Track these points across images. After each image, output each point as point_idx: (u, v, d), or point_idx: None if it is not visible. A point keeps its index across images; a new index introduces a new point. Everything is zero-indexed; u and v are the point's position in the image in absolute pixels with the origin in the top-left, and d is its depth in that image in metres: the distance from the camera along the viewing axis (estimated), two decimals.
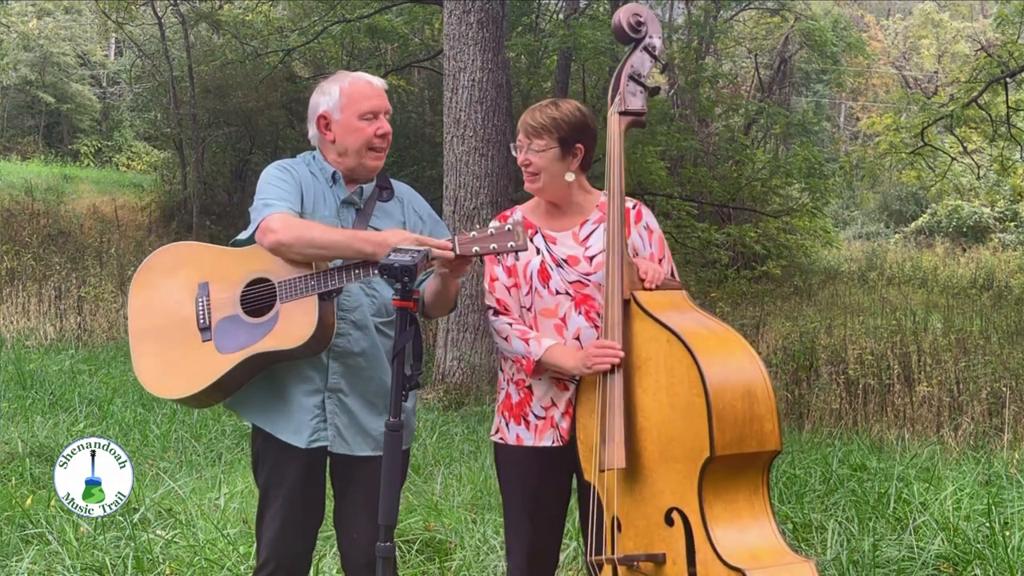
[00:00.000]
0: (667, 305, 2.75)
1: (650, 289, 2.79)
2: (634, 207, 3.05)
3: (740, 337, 2.70)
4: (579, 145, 2.98)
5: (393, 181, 3.09)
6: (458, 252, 2.63)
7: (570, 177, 2.99)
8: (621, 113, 2.88)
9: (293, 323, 2.76)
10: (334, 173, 2.97)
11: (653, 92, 2.92)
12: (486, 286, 3.02)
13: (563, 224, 3.03)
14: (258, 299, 2.83)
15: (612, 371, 2.72)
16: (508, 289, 2.99)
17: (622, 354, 2.72)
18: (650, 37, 2.91)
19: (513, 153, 3.04)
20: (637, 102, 2.88)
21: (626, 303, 2.76)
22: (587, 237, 3.01)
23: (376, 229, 2.90)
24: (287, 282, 2.78)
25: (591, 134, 3.02)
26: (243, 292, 2.84)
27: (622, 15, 2.90)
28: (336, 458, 2.95)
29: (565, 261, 2.97)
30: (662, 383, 2.65)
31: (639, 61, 2.90)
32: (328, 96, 2.96)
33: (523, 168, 3.00)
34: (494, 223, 2.64)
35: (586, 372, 2.80)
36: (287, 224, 2.77)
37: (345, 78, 2.99)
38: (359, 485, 2.93)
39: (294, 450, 2.90)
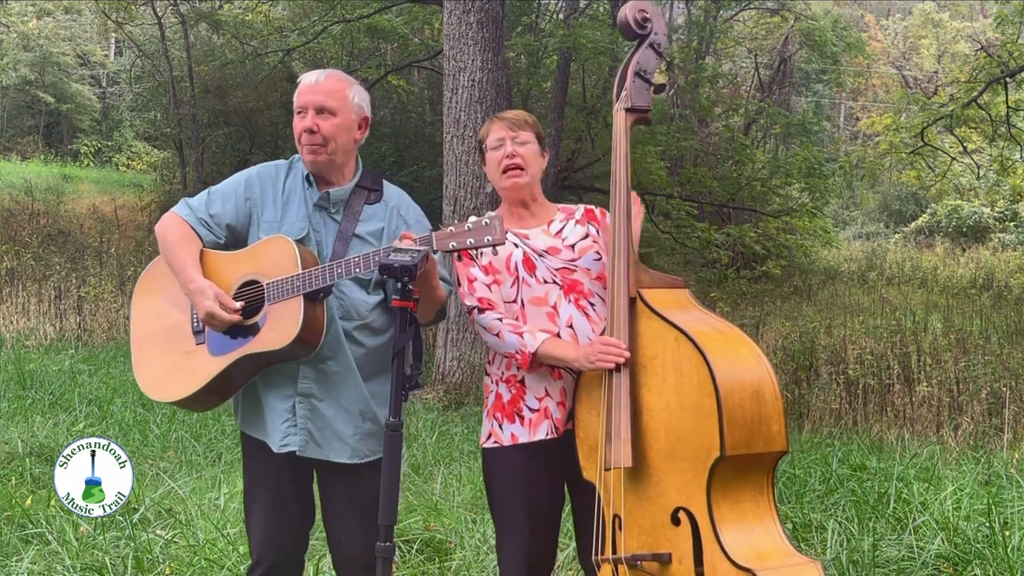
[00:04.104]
0: (672, 304, 2.74)
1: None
2: (597, 208, 3.12)
3: (746, 337, 2.70)
4: (545, 149, 3.07)
5: (386, 184, 3.04)
6: (435, 248, 2.61)
7: (541, 176, 3.06)
8: (627, 110, 2.88)
9: (279, 324, 2.76)
10: (307, 175, 2.96)
11: (659, 90, 2.93)
12: (463, 289, 2.97)
13: (530, 223, 3.05)
14: (249, 301, 2.83)
15: (618, 369, 2.71)
16: (488, 286, 2.96)
17: (628, 354, 2.70)
18: (656, 34, 2.91)
19: (484, 152, 3.04)
20: (643, 99, 2.88)
21: (632, 301, 2.76)
22: (559, 231, 3.03)
23: (359, 235, 2.89)
24: (275, 283, 2.78)
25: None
26: (234, 295, 2.85)
27: (628, 11, 2.89)
28: (317, 462, 2.93)
29: (546, 252, 2.98)
30: (669, 382, 2.64)
31: (645, 58, 2.89)
32: None
33: (508, 161, 2.98)
34: (472, 217, 2.62)
35: (588, 367, 2.78)
36: (167, 222, 2.97)
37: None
38: (341, 489, 2.93)
39: (274, 452, 2.90)
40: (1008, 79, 14.42)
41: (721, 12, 20.43)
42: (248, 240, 2.96)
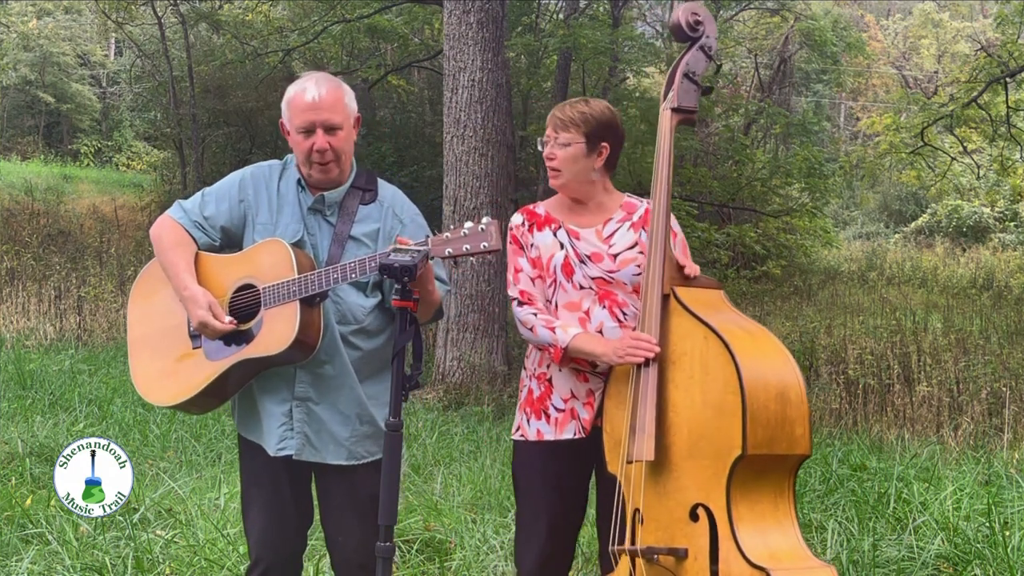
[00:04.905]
0: (705, 303, 2.76)
1: (690, 276, 2.80)
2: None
3: (776, 339, 2.71)
4: (604, 144, 2.99)
5: (381, 183, 3.02)
6: (431, 255, 2.60)
7: (594, 176, 3.00)
8: (673, 110, 2.89)
9: (275, 329, 2.76)
10: (299, 179, 2.94)
11: (706, 92, 2.95)
12: (509, 277, 3.02)
13: (586, 221, 3.03)
14: (246, 305, 2.83)
15: (647, 364, 2.72)
16: (532, 280, 2.99)
17: (658, 349, 2.72)
18: (707, 37, 2.93)
19: (539, 148, 3.04)
20: (690, 100, 2.90)
21: (665, 298, 2.77)
22: (611, 235, 3.02)
23: (354, 237, 2.88)
24: (271, 288, 2.78)
25: (618, 135, 3.03)
26: (231, 299, 2.85)
27: (681, 13, 2.92)
28: (315, 464, 2.93)
29: (589, 257, 2.98)
30: (696, 379, 2.66)
31: (695, 60, 2.92)
32: (283, 103, 2.93)
33: (547, 162, 3.00)
34: (468, 223, 2.61)
35: (616, 361, 2.79)
36: (162, 225, 2.96)
37: (291, 87, 2.91)
38: (338, 489, 2.93)
39: (269, 455, 2.91)
40: (1008, 79, 14.42)
41: (721, 12, 20.40)
42: (243, 242, 2.95)
